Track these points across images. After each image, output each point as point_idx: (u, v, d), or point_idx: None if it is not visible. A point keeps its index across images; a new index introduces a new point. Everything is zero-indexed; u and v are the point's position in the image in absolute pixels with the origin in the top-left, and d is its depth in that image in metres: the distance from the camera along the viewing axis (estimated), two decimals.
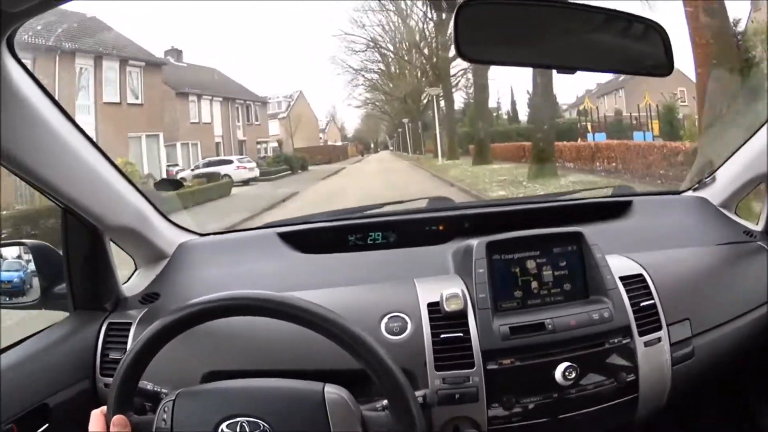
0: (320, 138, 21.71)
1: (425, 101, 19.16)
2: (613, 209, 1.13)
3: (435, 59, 16.16)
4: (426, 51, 16.20)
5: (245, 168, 12.07)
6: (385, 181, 10.71)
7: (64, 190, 0.77)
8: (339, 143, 22.53)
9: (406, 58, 17.69)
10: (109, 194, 0.86)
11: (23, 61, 0.66)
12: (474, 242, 0.87)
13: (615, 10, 0.64)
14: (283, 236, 1.06)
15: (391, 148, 25.35)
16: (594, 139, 11.87)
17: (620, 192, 1.32)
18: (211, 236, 1.12)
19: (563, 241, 0.88)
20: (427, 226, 1.08)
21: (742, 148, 1.08)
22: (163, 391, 0.65)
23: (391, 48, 18.07)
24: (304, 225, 1.10)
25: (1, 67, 0.61)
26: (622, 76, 11.55)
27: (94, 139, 0.83)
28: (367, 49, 17.69)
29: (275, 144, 19.32)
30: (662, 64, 0.66)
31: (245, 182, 12.17)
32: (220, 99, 16.71)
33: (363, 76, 18.66)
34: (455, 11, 0.59)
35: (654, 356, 0.86)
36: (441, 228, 1.08)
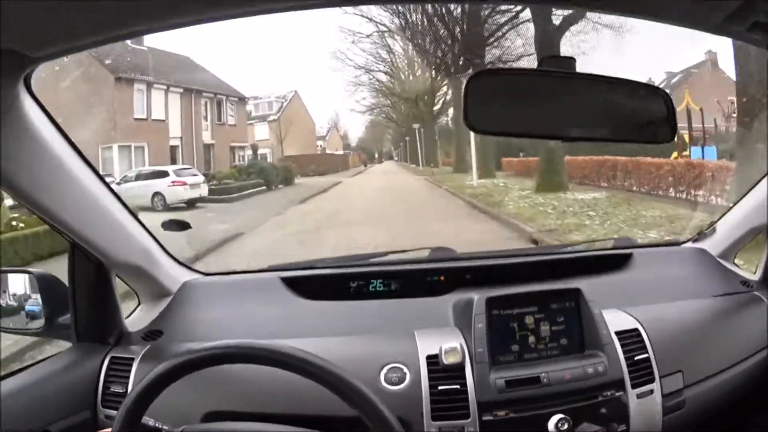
0: (319, 146, 20.72)
1: (440, 104, 18.16)
2: (614, 261, 1.26)
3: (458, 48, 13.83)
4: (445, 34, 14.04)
5: (184, 184, 7.77)
6: (397, 215, 7.52)
7: (72, 225, 0.89)
8: (340, 152, 21.41)
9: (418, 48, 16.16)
10: (116, 231, 0.99)
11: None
12: (474, 297, 1.00)
13: (619, 78, 0.72)
14: (285, 281, 1.19)
15: (396, 158, 25.10)
16: (703, 154, 8.83)
17: (621, 244, 1.45)
18: (215, 276, 1.25)
19: (561, 297, 1.01)
20: (428, 277, 1.20)
21: (743, 199, 1.23)
22: (165, 428, 0.77)
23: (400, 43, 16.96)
24: (307, 271, 1.24)
25: (18, 106, 0.72)
26: (673, 80, 12.55)
27: None
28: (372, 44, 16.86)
29: (263, 150, 17.04)
30: (665, 131, 0.73)
31: (188, 204, 9.43)
32: (180, 90, 12.34)
33: (368, 71, 17.48)
34: (466, 83, 0.67)
35: (646, 407, 0.97)
36: (442, 279, 1.19)
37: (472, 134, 11.54)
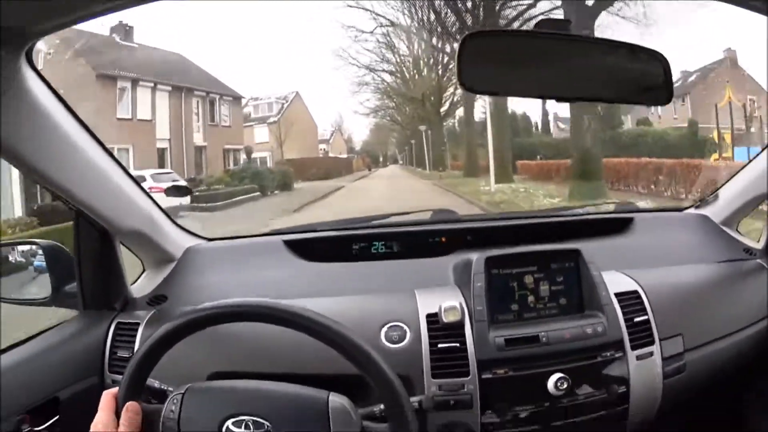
0: (321, 149, 21.18)
1: (447, 104, 18.32)
2: (615, 225, 1.32)
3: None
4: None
5: (162, 191, 7.79)
6: None
7: (77, 194, 0.94)
8: (344, 155, 22.00)
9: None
10: (120, 198, 1.06)
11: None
12: (474, 256, 1.06)
13: (616, 41, 0.75)
14: (288, 244, 1.26)
15: (401, 162, 25.66)
16: (749, 155, 8.12)
17: (623, 208, 1.52)
18: (218, 241, 1.33)
19: (561, 257, 1.07)
20: (430, 238, 1.28)
21: (746, 167, 1.28)
22: (170, 388, 0.80)
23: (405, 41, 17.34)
24: (309, 233, 1.31)
25: (20, 78, 0.76)
26: (690, 79, 12.61)
27: None
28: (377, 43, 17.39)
29: (262, 153, 17.21)
30: (661, 93, 0.77)
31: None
32: (169, 88, 12.33)
33: (372, 71, 17.98)
34: (460, 43, 0.70)
35: (646, 370, 1.03)
36: (443, 240, 1.27)
37: (489, 135, 11.45)
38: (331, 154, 20.87)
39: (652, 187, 8.41)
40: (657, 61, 0.74)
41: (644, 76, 0.75)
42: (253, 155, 16.05)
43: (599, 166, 8.88)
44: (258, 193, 11.48)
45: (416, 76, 18.08)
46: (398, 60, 18.00)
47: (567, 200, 8.29)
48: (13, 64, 0.73)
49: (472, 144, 14.56)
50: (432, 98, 17.57)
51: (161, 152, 13.01)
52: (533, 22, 0.80)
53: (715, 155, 8.26)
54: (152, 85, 12.81)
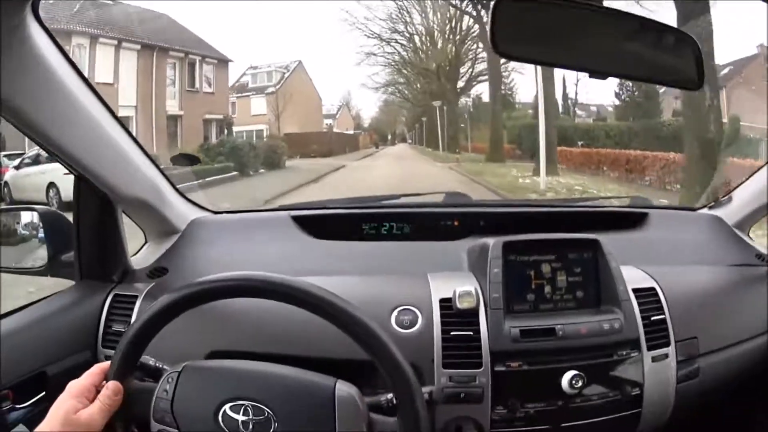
0: (327, 124, 21.73)
1: (464, 80, 18.53)
2: (629, 219, 1.45)
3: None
4: None
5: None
6: None
7: (78, 157, 1.02)
8: (351, 131, 22.76)
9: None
10: (124, 165, 1.14)
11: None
12: (491, 241, 1.14)
13: (649, 19, 0.82)
14: (296, 219, 1.37)
15: (410, 141, 26.43)
16: None
17: (637, 203, 1.65)
18: (224, 214, 1.45)
19: (580, 247, 1.15)
20: (442, 221, 1.40)
21: (760, 170, 1.38)
22: (165, 366, 0.85)
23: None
24: (319, 210, 1.43)
25: (24, 30, 0.81)
26: (723, 72, 12.52)
27: None
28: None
29: (259, 126, 17.19)
30: (692, 78, 0.85)
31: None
32: (137, 47, 12.07)
33: (384, 41, 18.26)
34: (493, 6, 0.76)
35: (660, 372, 1.11)
36: (456, 224, 1.39)
37: (541, 112, 11.14)
38: (336, 130, 21.22)
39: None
40: (687, 44, 0.83)
41: (675, 58, 0.82)
42: (249, 128, 16.10)
43: (713, 162, 7.76)
44: (236, 173, 11.04)
45: (430, 48, 18.18)
46: (411, 30, 18.18)
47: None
48: (18, 15, 0.78)
49: (497, 124, 14.43)
50: (448, 71, 17.53)
51: (125, 121, 12.79)
52: None
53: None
54: (116, 43, 12.56)
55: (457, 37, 17.51)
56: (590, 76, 0.83)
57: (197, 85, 14.53)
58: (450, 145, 18.10)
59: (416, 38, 18.31)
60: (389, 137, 26.35)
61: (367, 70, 28.76)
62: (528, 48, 0.81)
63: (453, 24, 17.53)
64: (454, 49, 17.45)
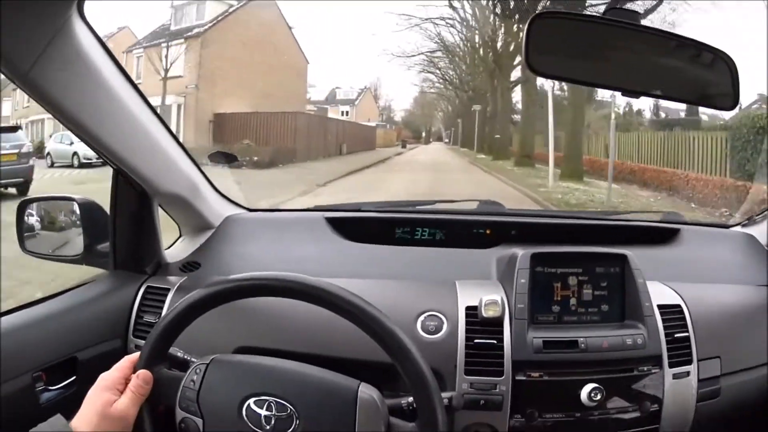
0: (343, 112, 18.61)
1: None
2: (661, 235, 1.45)
3: None
4: None
5: None
6: None
7: (118, 151, 1.06)
8: (373, 123, 18.81)
9: None
10: (163, 160, 1.19)
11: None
12: (519, 252, 1.17)
13: (685, 37, 0.82)
14: (330, 221, 1.41)
15: (446, 140, 23.70)
16: None
17: (669, 218, 1.62)
18: (259, 212, 1.50)
19: (607, 261, 1.17)
20: (474, 229, 1.42)
21: None
22: (193, 359, 0.88)
23: None
24: (353, 212, 1.47)
25: (69, 26, 0.85)
26: None
27: None
28: None
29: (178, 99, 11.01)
30: (728, 98, 0.84)
31: None
32: None
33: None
34: (528, 22, 0.78)
35: (681, 390, 1.11)
36: (488, 232, 1.41)
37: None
38: (353, 120, 17.83)
39: None
40: (724, 63, 0.82)
41: (710, 77, 0.83)
42: (167, 102, 10.77)
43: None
44: None
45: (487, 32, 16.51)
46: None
47: None
48: (63, 11, 0.82)
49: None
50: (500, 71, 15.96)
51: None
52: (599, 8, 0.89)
53: None
54: None
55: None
56: (623, 95, 0.86)
57: None
58: (496, 152, 15.79)
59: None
60: (423, 134, 23.48)
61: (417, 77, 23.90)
62: (561, 66, 0.83)
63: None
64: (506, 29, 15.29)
